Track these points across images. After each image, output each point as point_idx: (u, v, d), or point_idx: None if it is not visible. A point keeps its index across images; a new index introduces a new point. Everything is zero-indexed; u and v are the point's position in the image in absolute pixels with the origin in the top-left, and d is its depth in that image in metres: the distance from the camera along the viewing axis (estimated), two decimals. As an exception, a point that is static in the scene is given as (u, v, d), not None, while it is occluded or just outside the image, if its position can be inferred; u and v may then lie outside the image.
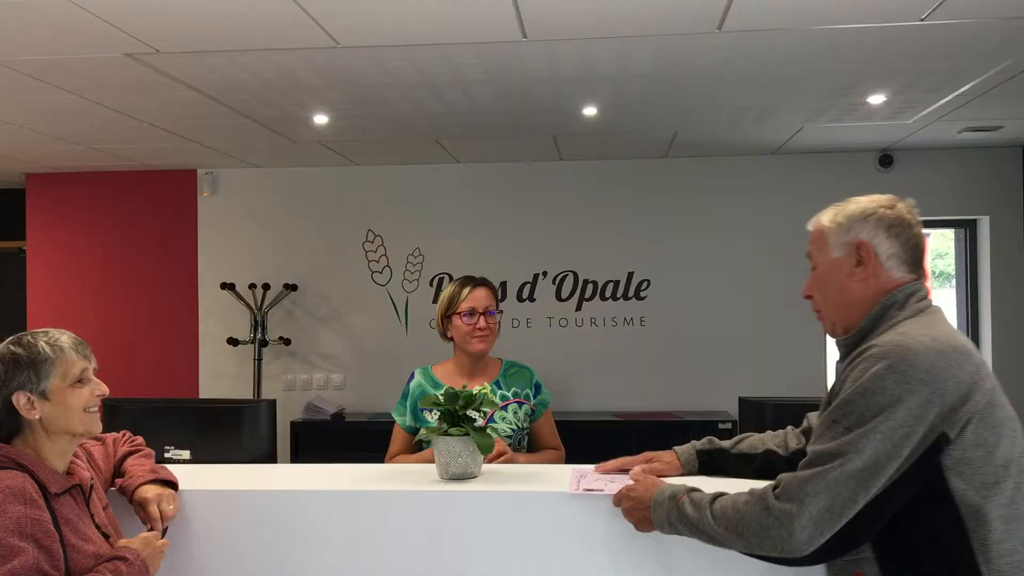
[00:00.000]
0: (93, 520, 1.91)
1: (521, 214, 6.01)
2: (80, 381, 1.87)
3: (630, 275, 5.96)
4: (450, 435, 2.25)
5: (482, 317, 2.87)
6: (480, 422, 2.26)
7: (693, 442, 2.24)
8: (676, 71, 3.80)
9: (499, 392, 2.88)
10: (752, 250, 5.89)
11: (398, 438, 2.82)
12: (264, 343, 5.85)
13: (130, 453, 2.16)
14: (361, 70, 3.72)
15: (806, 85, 4.09)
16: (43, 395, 1.82)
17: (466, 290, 2.89)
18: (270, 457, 2.62)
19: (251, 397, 5.78)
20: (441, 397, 2.30)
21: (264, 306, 5.91)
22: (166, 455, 2.58)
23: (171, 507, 2.05)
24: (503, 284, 5.99)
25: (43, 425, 1.83)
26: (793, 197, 5.87)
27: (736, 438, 2.22)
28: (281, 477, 2.44)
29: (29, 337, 1.86)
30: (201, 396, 6.09)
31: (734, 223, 5.91)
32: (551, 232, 6.00)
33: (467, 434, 2.24)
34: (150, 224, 6.21)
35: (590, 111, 4.47)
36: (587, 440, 4.33)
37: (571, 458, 2.88)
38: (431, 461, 2.33)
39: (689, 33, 3.29)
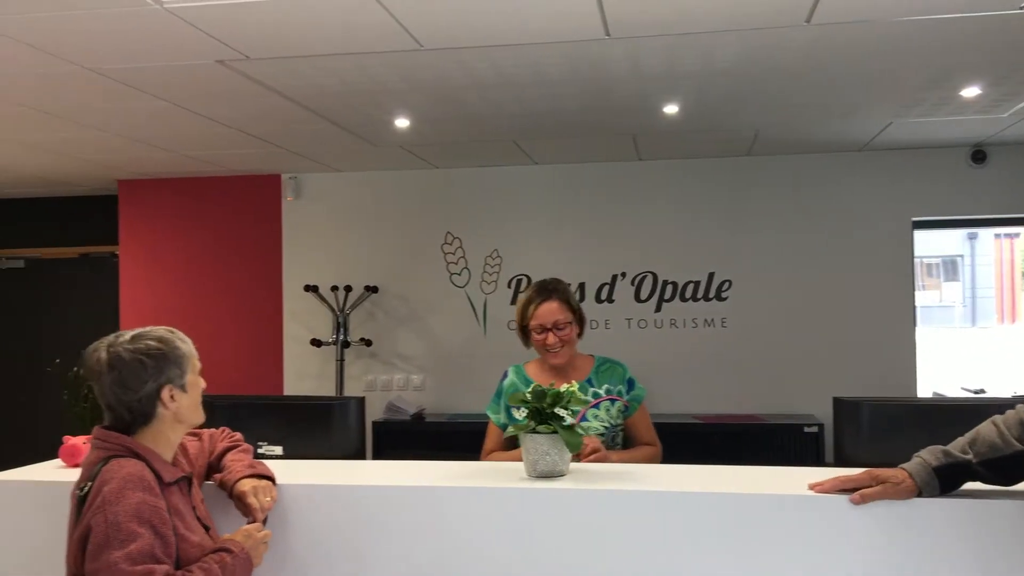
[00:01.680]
0: (194, 512, 1.96)
1: (599, 215, 5.99)
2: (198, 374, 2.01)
3: (711, 276, 5.88)
4: (538, 433, 2.25)
5: (550, 333, 2.86)
6: (569, 420, 2.26)
7: (923, 457, 1.94)
8: (761, 67, 3.74)
9: (591, 390, 2.88)
10: (837, 249, 5.75)
11: (492, 435, 2.89)
12: (346, 344, 5.95)
13: (229, 448, 2.21)
14: (443, 72, 3.75)
15: (896, 79, 3.98)
16: (183, 388, 1.95)
17: (532, 306, 2.90)
18: (359, 453, 2.66)
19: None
20: (529, 395, 2.30)
21: (346, 308, 6.00)
22: (259, 451, 2.64)
23: (268, 498, 2.09)
24: (581, 285, 5.97)
25: (174, 416, 1.94)
26: (881, 195, 5.72)
27: (962, 442, 1.93)
28: (371, 473, 2.47)
29: (161, 333, 1.96)
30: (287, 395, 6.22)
31: (818, 222, 5.78)
32: (629, 233, 5.95)
33: (555, 432, 2.24)
34: (236, 228, 6.37)
35: (671, 109, 4.43)
36: (668, 443, 4.28)
37: (655, 459, 2.86)
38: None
39: (776, 27, 3.23)
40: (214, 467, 2.20)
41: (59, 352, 6.68)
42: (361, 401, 2.70)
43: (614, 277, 5.96)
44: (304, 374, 6.25)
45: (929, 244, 6.71)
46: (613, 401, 2.88)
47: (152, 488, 1.79)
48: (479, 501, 2.22)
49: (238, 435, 2.30)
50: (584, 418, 2.80)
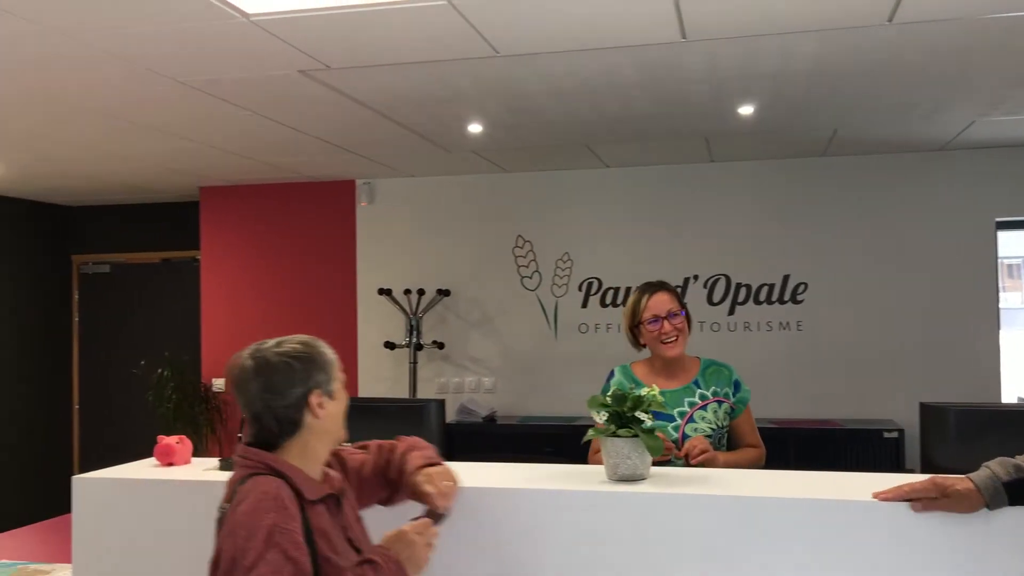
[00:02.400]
0: (345, 532, 1.84)
1: (671, 217, 5.96)
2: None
3: (785, 278, 5.80)
4: (618, 436, 2.26)
5: (665, 322, 2.89)
6: (649, 423, 2.26)
7: (992, 469, 1.89)
8: (840, 67, 3.68)
9: (698, 391, 2.90)
10: (917, 250, 5.62)
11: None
12: (419, 347, 6.03)
13: (411, 449, 2.11)
14: (518, 78, 3.78)
15: (979, 77, 3.88)
16: (330, 395, 1.85)
17: (645, 297, 2.94)
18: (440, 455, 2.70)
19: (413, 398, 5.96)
20: (609, 398, 2.31)
21: (419, 311, 6.08)
22: (343, 451, 2.70)
23: (449, 482, 1.99)
24: (653, 288, 5.93)
25: (321, 427, 1.82)
26: (963, 195, 5.57)
27: None
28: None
29: (304, 338, 1.88)
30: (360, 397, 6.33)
31: (897, 222, 5.65)
32: (702, 235, 5.91)
33: (636, 436, 2.25)
34: (312, 232, 6.51)
35: (746, 110, 4.39)
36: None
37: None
38: None
39: (857, 27, 3.18)
40: (395, 482, 2.04)
41: (144, 354, 6.92)
42: (441, 404, 2.74)
43: (686, 280, 5.92)
44: (378, 376, 6.35)
45: (1012, 245, 6.50)
46: (720, 403, 2.90)
47: (287, 508, 1.66)
48: (560, 504, 2.24)
49: (418, 441, 2.14)
50: (692, 419, 2.84)
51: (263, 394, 1.79)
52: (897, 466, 5.17)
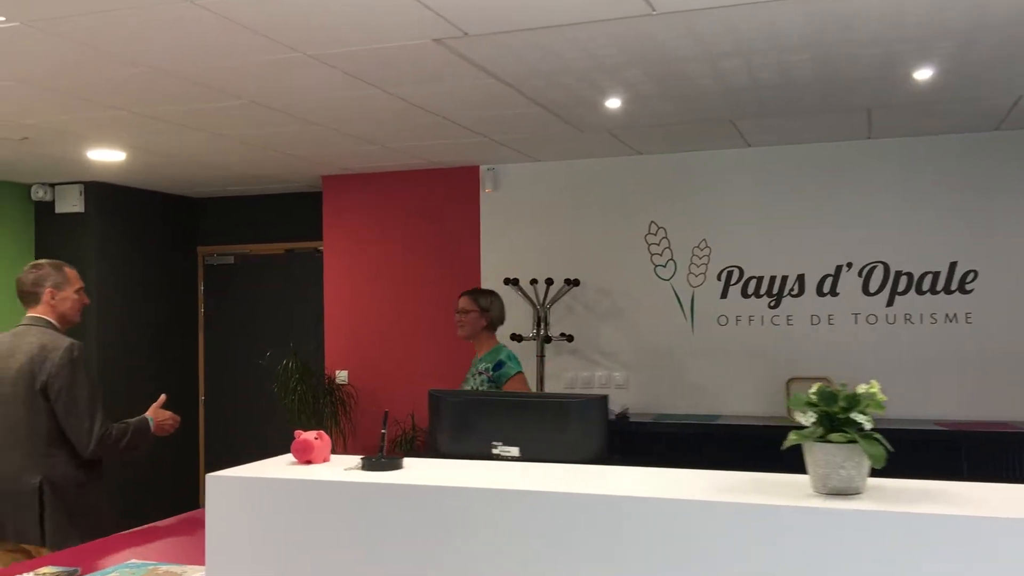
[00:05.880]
0: None
1: (821, 200, 5.48)
2: None
3: (952, 265, 5.24)
4: (830, 442, 1.90)
5: (457, 315, 4.36)
6: (868, 425, 1.89)
7: None
8: (1048, 16, 3.19)
9: (481, 364, 4.21)
10: (1109, 235, 4.99)
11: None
12: (547, 339, 5.73)
13: None
14: (669, 41, 3.43)
15: None
16: None
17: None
18: (600, 457, 2.39)
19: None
20: (815, 396, 1.95)
21: (547, 302, 5.79)
22: (493, 451, 2.42)
23: None
24: (800, 277, 5.48)
25: None
26: None
27: None
28: (620, 481, 2.19)
29: None
30: (484, 392, 6.09)
31: (1084, 203, 5.04)
32: (856, 219, 5.41)
33: (853, 441, 1.88)
34: (434, 221, 6.31)
35: (923, 75, 3.91)
36: (905, 452, 3.78)
37: (889, 471, 2.44)
38: None
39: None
40: None
41: (268, 346, 6.87)
42: (603, 400, 2.43)
43: (838, 268, 5.44)
44: (503, 370, 6.08)
45: None
46: (480, 375, 4.11)
47: None
48: (755, 521, 1.90)
49: None
50: (465, 380, 4.18)
51: None
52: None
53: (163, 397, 3.63)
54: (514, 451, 2.39)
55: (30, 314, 3.43)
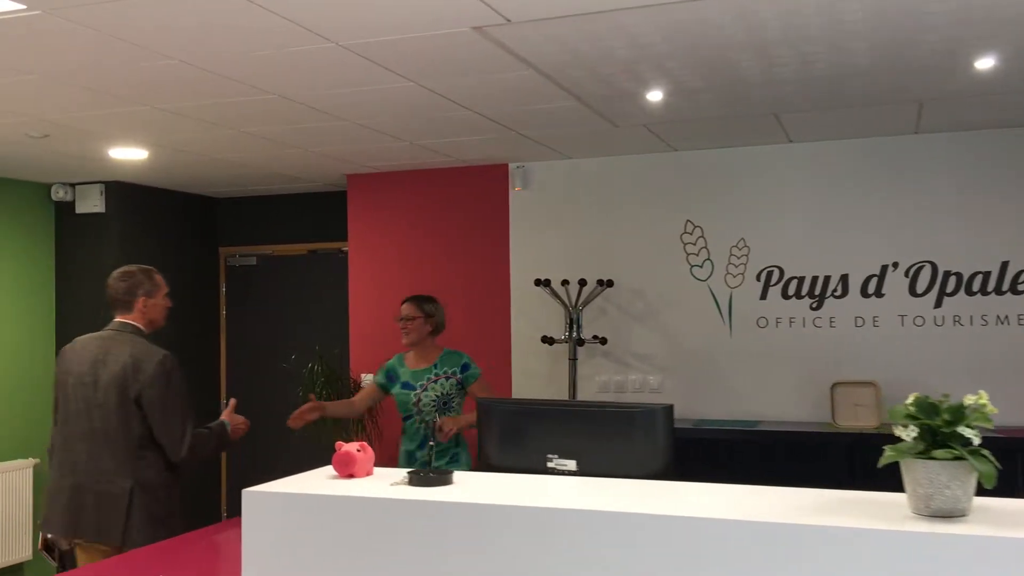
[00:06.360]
0: None
1: (865, 197, 5.27)
2: None
3: (1004, 265, 5.03)
4: (933, 459, 1.72)
5: (402, 322, 4.39)
6: (977, 441, 1.71)
7: None
8: None
9: (434, 371, 4.27)
10: None
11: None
12: (580, 342, 5.55)
13: None
14: (719, 25, 3.25)
15: None
16: None
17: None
18: (665, 472, 2.21)
19: (577, 399, 5.50)
20: (913, 407, 1.77)
21: (579, 303, 5.61)
22: (548, 464, 2.25)
23: None
24: (843, 278, 5.27)
25: None
26: None
27: None
28: (693, 499, 2.02)
29: None
30: (514, 396, 5.92)
31: None
32: (902, 217, 5.20)
33: (960, 458, 1.70)
34: (462, 221, 6.14)
35: (984, 64, 3.71)
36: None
37: None
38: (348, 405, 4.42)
39: None
40: None
41: (291, 348, 6.72)
42: (668, 410, 2.26)
43: (884, 268, 5.23)
44: (532, 373, 5.92)
45: None
46: (448, 379, 4.26)
47: None
48: (851, 545, 1.72)
49: None
50: (426, 389, 4.24)
51: None
52: None
53: (233, 401, 3.79)
54: (571, 464, 2.21)
55: (119, 319, 3.55)
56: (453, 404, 4.29)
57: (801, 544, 1.74)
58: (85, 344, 3.53)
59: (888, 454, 1.78)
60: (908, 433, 1.75)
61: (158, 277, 3.64)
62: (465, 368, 4.29)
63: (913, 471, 1.75)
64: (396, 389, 4.34)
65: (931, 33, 3.35)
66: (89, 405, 3.42)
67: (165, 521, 3.40)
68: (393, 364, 4.40)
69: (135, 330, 3.52)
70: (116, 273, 3.59)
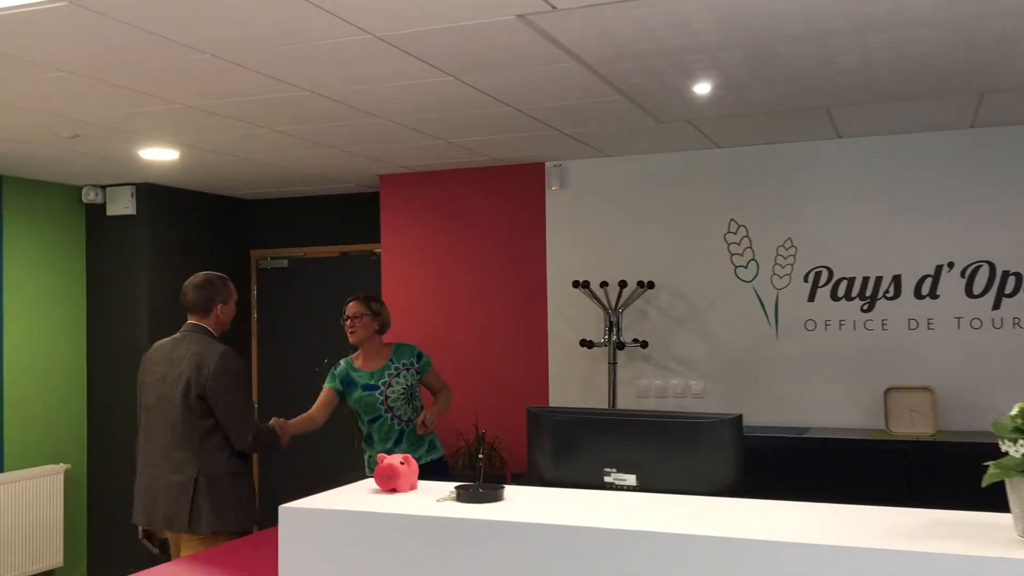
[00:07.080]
0: None
1: (919, 195, 5.06)
2: None
3: (1068, 265, 4.80)
4: (1046, 477, 1.54)
5: (350, 320, 4.45)
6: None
7: None
8: None
9: (393, 366, 4.34)
10: None
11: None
12: (620, 345, 5.38)
13: None
14: (776, 14, 3.08)
15: None
16: None
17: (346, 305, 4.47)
18: (734, 488, 2.05)
19: (617, 406, 5.34)
20: (1020, 420, 1.60)
21: (619, 306, 5.44)
22: (606, 479, 2.09)
23: None
24: (896, 278, 5.06)
25: None
26: None
27: None
28: (764, 519, 1.85)
29: None
30: (552, 402, 5.76)
31: None
32: (958, 216, 4.98)
33: (1076, 478, 1.52)
34: (498, 222, 6.00)
35: (1056, 52, 3.51)
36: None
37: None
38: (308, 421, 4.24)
39: None
40: None
41: (322, 351, 6.60)
42: (737, 420, 2.09)
43: (938, 268, 5.02)
44: (570, 377, 5.76)
45: None
46: (408, 370, 4.34)
47: None
48: (951, 573, 1.54)
49: None
50: (391, 385, 4.28)
51: None
52: None
53: (275, 421, 4.05)
54: (630, 479, 2.05)
55: (192, 322, 3.85)
56: (416, 394, 4.37)
57: (895, 571, 1.57)
58: (161, 346, 3.87)
59: (992, 471, 1.60)
60: (1016, 449, 1.57)
61: (231, 285, 3.96)
62: (419, 357, 4.39)
63: (1021, 491, 1.57)
64: (357, 394, 4.32)
65: (1000, 20, 3.16)
66: (161, 400, 3.71)
67: (233, 509, 3.63)
68: (344, 370, 4.39)
69: (204, 331, 3.81)
70: (197, 280, 3.87)
